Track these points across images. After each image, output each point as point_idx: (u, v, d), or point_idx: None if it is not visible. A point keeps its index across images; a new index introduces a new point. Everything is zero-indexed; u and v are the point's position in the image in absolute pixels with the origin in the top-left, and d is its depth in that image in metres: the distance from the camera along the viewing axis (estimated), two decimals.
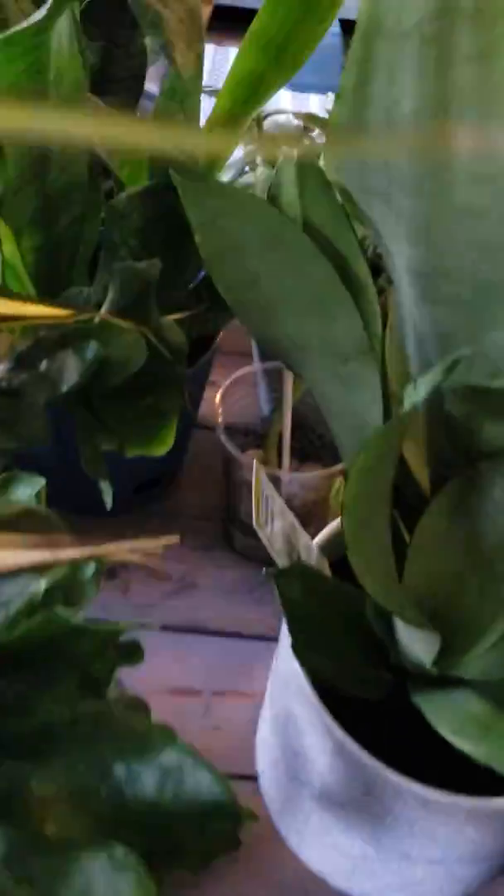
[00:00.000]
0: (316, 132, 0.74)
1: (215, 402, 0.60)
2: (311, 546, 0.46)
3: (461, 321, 0.34)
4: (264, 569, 0.41)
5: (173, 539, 0.24)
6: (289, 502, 0.60)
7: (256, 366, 0.62)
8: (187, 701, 0.58)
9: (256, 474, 0.40)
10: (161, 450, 0.39)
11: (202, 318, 0.56)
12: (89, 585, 0.27)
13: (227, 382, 0.61)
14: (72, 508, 0.34)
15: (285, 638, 0.46)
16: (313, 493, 0.59)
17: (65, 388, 0.32)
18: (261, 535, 0.41)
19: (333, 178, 0.31)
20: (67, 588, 0.26)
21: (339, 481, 0.60)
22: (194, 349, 0.55)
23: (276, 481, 0.57)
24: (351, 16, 0.27)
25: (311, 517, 0.61)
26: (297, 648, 0.41)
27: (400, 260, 0.34)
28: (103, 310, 0.35)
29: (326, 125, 0.70)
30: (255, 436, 0.65)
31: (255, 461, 0.41)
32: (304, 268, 0.33)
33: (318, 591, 0.44)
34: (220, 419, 0.59)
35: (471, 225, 0.31)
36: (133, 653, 0.33)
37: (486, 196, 0.30)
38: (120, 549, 0.23)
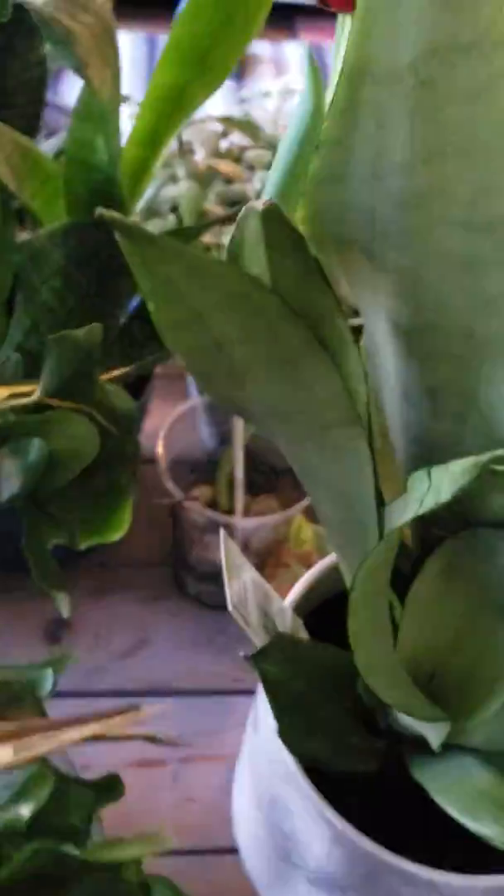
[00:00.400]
0: (234, 135, 0.69)
1: (158, 434, 0.56)
2: (285, 609, 0.42)
3: (452, 376, 0.30)
4: (241, 653, 0.37)
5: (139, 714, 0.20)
6: (245, 547, 0.56)
7: (197, 400, 0.57)
8: (153, 772, 0.54)
9: (225, 548, 0.35)
10: (117, 534, 0.34)
11: (140, 362, 0.51)
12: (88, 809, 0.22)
13: (170, 421, 0.56)
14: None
15: (265, 715, 0.42)
16: (271, 534, 0.56)
17: (4, 498, 0.26)
18: (237, 617, 0.37)
19: (305, 230, 0.27)
20: (56, 809, 0.21)
21: (298, 519, 0.56)
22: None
23: (229, 529, 0.53)
24: None
25: (268, 559, 0.57)
26: (286, 736, 0.38)
27: (378, 314, 0.30)
28: (38, 390, 0.30)
29: (247, 127, 0.65)
30: (201, 472, 0.61)
31: (222, 533, 0.36)
32: (276, 330, 0.28)
33: (300, 665, 0.40)
34: (163, 462, 0.55)
35: (466, 277, 0.27)
36: (112, 787, 0.29)
37: (485, 246, 0.26)
38: (101, 728, 0.18)
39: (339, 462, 0.31)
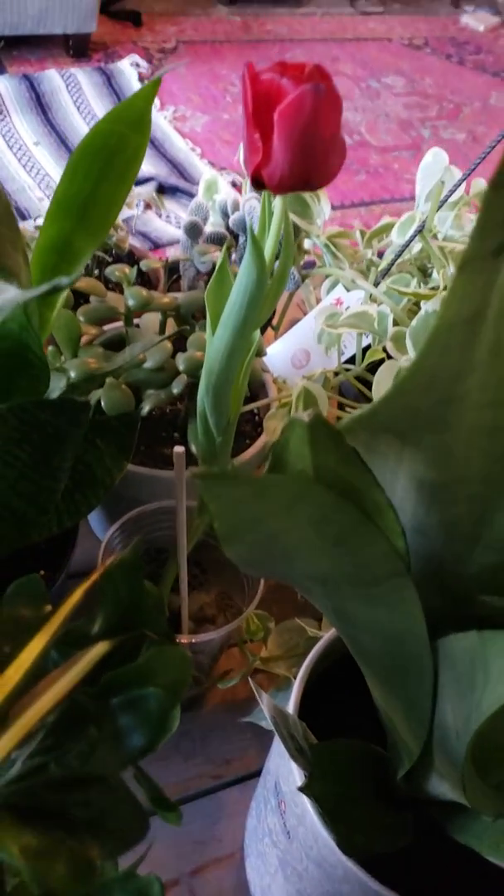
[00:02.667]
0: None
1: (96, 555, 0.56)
2: (297, 721, 0.45)
3: (468, 510, 0.34)
4: (298, 788, 0.39)
5: None
6: (195, 660, 0.58)
7: (115, 525, 0.57)
8: (168, 894, 0.54)
9: (270, 710, 0.37)
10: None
11: (72, 509, 0.50)
12: None
13: (112, 530, 0.56)
14: None
15: (298, 823, 0.44)
16: (217, 645, 0.57)
17: (133, 756, 0.26)
18: (296, 762, 0.39)
19: (342, 427, 0.30)
20: None
21: (245, 621, 0.58)
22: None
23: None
24: None
25: (213, 666, 0.59)
26: (344, 846, 0.40)
27: (398, 473, 0.33)
28: (97, 631, 0.30)
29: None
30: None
31: (266, 697, 0.38)
32: (327, 516, 0.31)
33: (336, 773, 0.43)
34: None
35: (487, 441, 0.31)
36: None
37: (501, 416, 0.30)
38: None
39: (389, 609, 0.34)
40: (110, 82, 2.42)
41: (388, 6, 3.55)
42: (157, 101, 2.40)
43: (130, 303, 0.58)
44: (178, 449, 0.45)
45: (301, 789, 0.39)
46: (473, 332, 0.25)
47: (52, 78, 2.34)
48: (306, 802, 0.42)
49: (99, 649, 0.29)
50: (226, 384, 0.42)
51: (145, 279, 0.76)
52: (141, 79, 2.48)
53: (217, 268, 0.42)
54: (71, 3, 2.39)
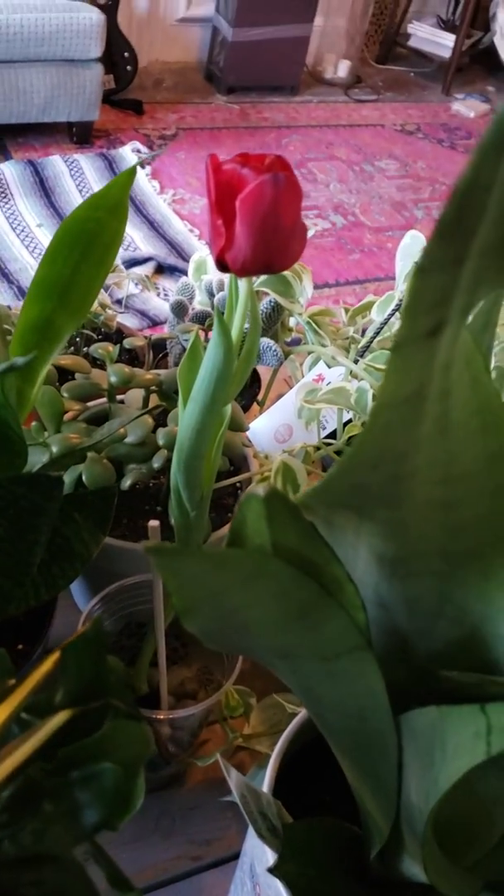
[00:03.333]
0: None
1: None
2: (270, 800, 0.44)
3: (430, 585, 0.35)
4: (267, 869, 0.38)
5: None
6: (174, 736, 0.57)
7: (94, 599, 0.57)
8: None
9: (237, 787, 0.37)
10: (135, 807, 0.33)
11: (50, 582, 0.51)
12: None
13: (91, 604, 0.56)
14: None
15: None
16: (196, 721, 0.57)
17: (89, 831, 0.26)
18: (263, 842, 0.38)
19: (299, 501, 0.30)
20: None
21: (225, 696, 0.58)
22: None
23: (160, 722, 0.54)
24: None
25: (193, 743, 0.58)
26: None
27: (358, 549, 0.34)
28: (58, 701, 0.30)
29: None
30: (117, 655, 0.61)
31: (234, 773, 0.38)
32: (286, 592, 0.31)
33: (309, 853, 0.42)
34: None
35: (443, 514, 0.31)
36: None
37: (458, 491, 0.31)
38: None
39: (350, 684, 0.34)
40: (112, 167, 2.50)
41: (381, 94, 3.70)
42: (157, 185, 2.48)
43: (113, 379, 0.59)
44: (153, 523, 0.45)
45: (270, 870, 0.39)
46: (415, 410, 0.26)
47: (56, 163, 2.43)
48: (279, 885, 0.42)
49: (58, 719, 0.30)
50: (196, 459, 0.42)
51: (133, 356, 0.78)
52: (142, 164, 2.57)
53: (189, 345, 0.43)
54: (75, 93, 2.50)
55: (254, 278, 0.75)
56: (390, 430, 0.27)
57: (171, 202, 2.41)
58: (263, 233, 0.36)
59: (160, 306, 1.80)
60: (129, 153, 2.60)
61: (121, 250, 2.22)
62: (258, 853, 0.47)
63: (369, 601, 0.36)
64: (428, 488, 0.30)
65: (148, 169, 2.56)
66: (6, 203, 2.25)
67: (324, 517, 0.32)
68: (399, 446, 0.27)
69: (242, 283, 0.39)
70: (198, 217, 2.37)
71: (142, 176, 2.50)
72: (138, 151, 2.59)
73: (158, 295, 1.83)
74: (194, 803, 0.61)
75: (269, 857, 0.43)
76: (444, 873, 0.34)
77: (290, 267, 0.37)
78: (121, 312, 1.23)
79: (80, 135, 2.66)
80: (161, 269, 2.03)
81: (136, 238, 2.20)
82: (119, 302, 1.62)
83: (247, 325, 0.40)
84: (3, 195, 2.26)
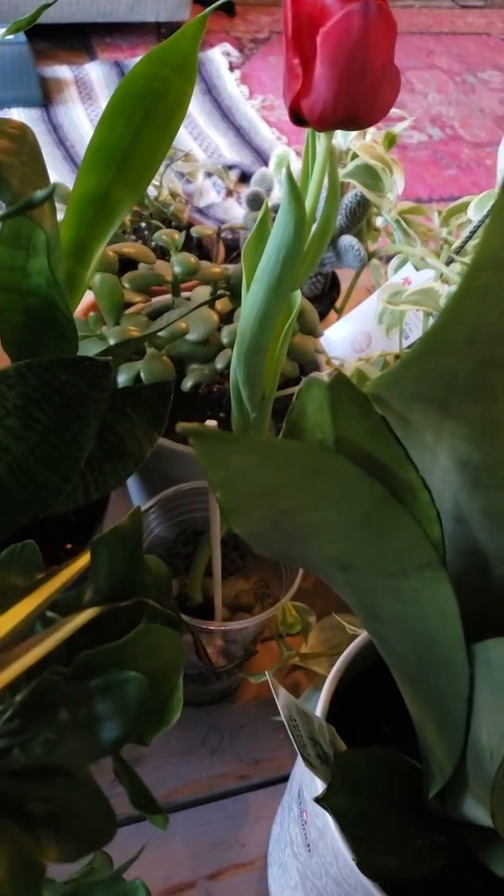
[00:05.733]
0: None
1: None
2: (323, 725, 0.41)
3: None
4: (314, 800, 0.35)
5: None
6: (226, 649, 0.54)
7: (150, 501, 0.54)
8: None
9: (284, 708, 0.33)
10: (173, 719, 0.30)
11: (100, 480, 0.47)
12: None
13: (146, 506, 0.53)
14: None
15: (319, 837, 0.41)
16: (250, 636, 0.54)
17: (108, 748, 0.23)
18: (308, 768, 0.35)
19: (370, 391, 0.26)
20: None
21: (281, 612, 0.54)
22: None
23: (211, 634, 0.51)
24: None
25: (248, 659, 0.55)
26: (365, 866, 0.36)
27: (438, 453, 0.29)
28: (87, 598, 0.27)
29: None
30: (171, 563, 0.58)
31: (282, 691, 0.34)
32: (350, 493, 0.27)
33: (360, 784, 0.39)
34: None
35: None
36: None
37: None
38: None
39: (420, 605, 0.30)
40: (200, 70, 2.40)
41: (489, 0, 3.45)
42: (245, 90, 2.37)
43: (177, 269, 0.54)
44: (210, 423, 0.41)
45: (317, 800, 0.36)
46: None
47: None
48: (327, 815, 0.38)
49: (82, 617, 0.26)
50: (258, 351, 0.38)
51: (205, 253, 0.73)
52: (231, 68, 2.47)
53: (258, 221, 0.38)
54: None
55: (339, 167, 0.68)
56: (488, 300, 0.21)
57: (260, 108, 2.30)
58: (349, 75, 0.30)
59: (242, 215, 1.73)
60: (218, 56, 2.49)
61: (204, 156, 2.14)
62: (307, 780, 0.44)
63: (446, 515, 0.32)
64: None
65: (237, 73, 2.45)
66: (91, 105, 2.19)
67: (398, 413, 0.27)
68: (500, 322, 0.22)
69: (321, 141, 0.33)
70: (287, 125, 2.26)
71: (230, 80, 2.39)
72: (227, 55, 2.48)
73: (240, 203, 1.76)
74: (245, 721, 0.59)
75: (319, 786, 0.39)
76: None
77: (379, 120, 0.32)
78: (198, 218, 1.18)
79: (169, 35, 2.55)
80: (245, 178, 1.95)
81: (221, 145, 2.12)
82: (199, 211, 1.56)
83: (324, 194, 0.35)
84: (87, 97, 2.20)
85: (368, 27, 0.29)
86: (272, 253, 0.35)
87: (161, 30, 2.54)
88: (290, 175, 0.33)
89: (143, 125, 0.43)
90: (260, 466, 0.25)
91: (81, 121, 2.15)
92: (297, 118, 0.32)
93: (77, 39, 2.47)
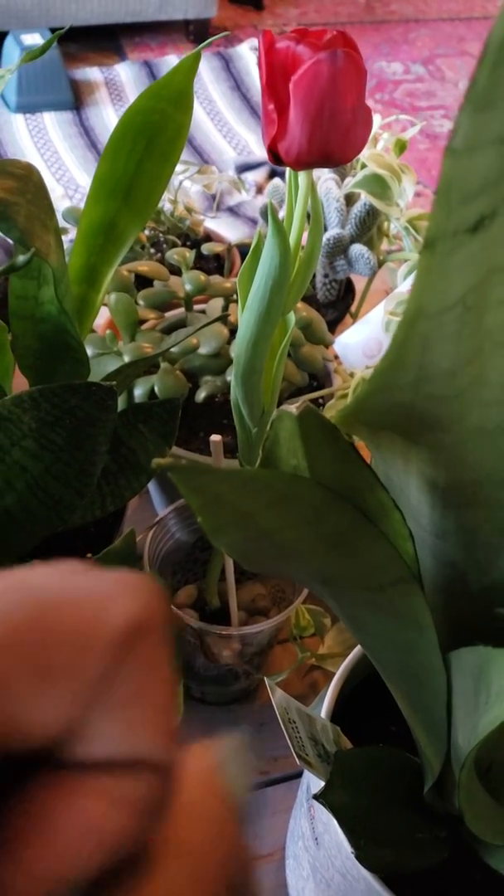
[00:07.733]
0: None
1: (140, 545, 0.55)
2: (327, 726, 0.43)
3: (487, 515, 0.31)
4: (312, 797, 0.37)
5: None
6: (242, 654, 0.56)
7: (167, 509, 0.57)
8: None
9: (280, 708, 0.36)
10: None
11: (116, 492, 0.50)
12: None
13: (163, 514, 0.56)
14: None
15: (325, 831, 0.43)
16: (265, 638, 0.56)
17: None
18: (303, 765, 0.37)
19: (337, 421, 0.28)
20: None
21: (294, 615, 0.56)
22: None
23: (226, 639, 0.53)
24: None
25: (265, 661, 0.58)
26: (365, 860, 0.38)
27: (409, 475, 0.31)
28: None
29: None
30: (183, 572, 0.61)
31: (279, 692, 0.36)
32: (322, 515, 0.29)
33: (360, 781, 0.41)
34: (149, 569, 0.54)
35: (500, 440, 0.28)
36: None
37: None
38: None
39: (398, 617, 0.32)
40: (228, 67, 2.41)
41: None
42: None
43: (187, 287, 0.57)
44: (215, 437, 0.44)
45: (316, 797, 0.38)
46: (460, 321, 0.23)
47: (171, 64, 2.36)
48: None
49: None
50: (253, 373, 0.40)
51: (221, 263, 0.75)
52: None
53: (252, 248, 0.40)
54: None
55: (347, 178, 0.70)
56: (429, 345, 0.23)
57: None
58: (320, 118, 0.32)
59: None
60: (246, 51, 2.50)
61: (234, 154, 2.15)
62: (314, 777, 0.46)
63: (426, 531, 0.33)
64: (482, 410, 0.27)
65: None
66: (122, 106, 2.22)
67: (368, 438, 0.29)
68: (442, 363, 0.24)
69: (302, 178, 0.35)
70: None
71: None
72: (255, 50, 2.49)
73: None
74: (265, 719, 0.61)
75: (322, 783, 0.42)
76: (483, 818, 0.32)
77: (351, 158, 0.33)
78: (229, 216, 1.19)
79: (197, 33, 2.57)
80: (274, 174, 1.96)
81: (250, 142, 2.13)
82: (230, 209, 1.58)
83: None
84: (118, 98, 2.23)
85: (336, 73, 0.31)
86: (260, 283, 0.37)
87: (189, 27, 2.56)
88: (272, 209, 0.35)
89: (144, 156, 0.45)
90: (234, 493, 0.27)
91: (113, 122, 2.18)
92: (277, 158, 0.34)
93: (106, 40, 2.49)
